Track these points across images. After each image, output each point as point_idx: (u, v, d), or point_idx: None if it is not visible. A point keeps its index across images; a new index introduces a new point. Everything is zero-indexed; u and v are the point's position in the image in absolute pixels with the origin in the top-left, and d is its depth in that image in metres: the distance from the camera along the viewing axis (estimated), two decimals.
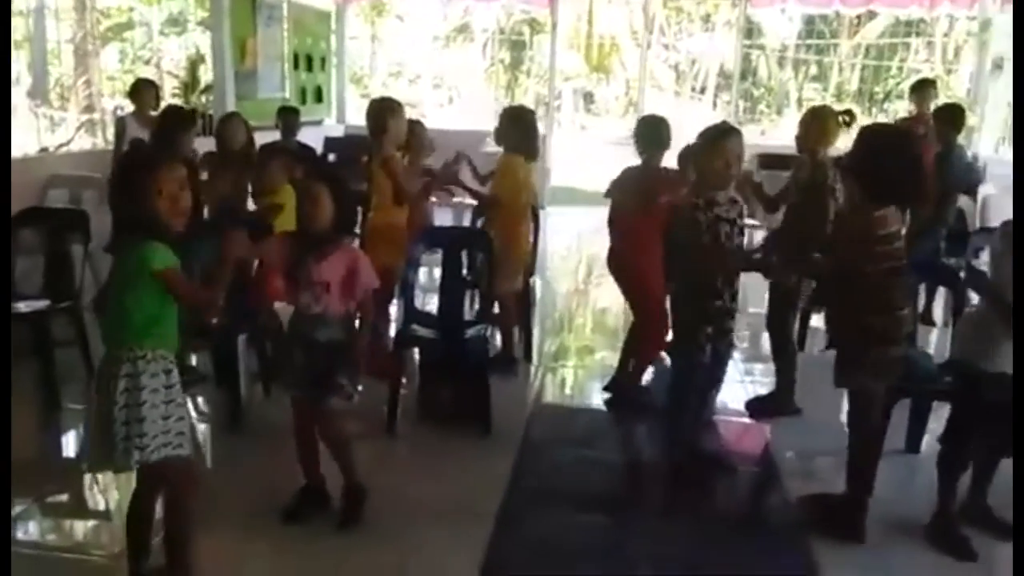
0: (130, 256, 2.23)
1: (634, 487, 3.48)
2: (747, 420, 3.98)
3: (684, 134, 3.93)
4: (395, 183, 4.02)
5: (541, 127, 4.49)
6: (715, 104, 18.36)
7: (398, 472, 3.35)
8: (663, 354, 4.37)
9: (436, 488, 3.24)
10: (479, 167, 5.17)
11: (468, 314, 4.25)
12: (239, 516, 2.91)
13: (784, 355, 4.02)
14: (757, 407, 4.06)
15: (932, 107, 6.00)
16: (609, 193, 4.05)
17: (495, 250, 4.07)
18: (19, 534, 2.95)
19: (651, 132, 3.91)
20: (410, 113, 4.92)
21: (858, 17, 16.34)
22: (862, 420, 2.99)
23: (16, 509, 3.02)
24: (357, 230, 3.59)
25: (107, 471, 2.40)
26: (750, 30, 14.63)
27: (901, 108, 12.54)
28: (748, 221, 3.68)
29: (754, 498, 3.45)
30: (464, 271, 4.30)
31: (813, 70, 19.13)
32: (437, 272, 4.35)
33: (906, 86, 11.70)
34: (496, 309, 4.34)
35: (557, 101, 11.07)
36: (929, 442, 3.41)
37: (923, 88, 6.62)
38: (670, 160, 4.01)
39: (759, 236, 5.65)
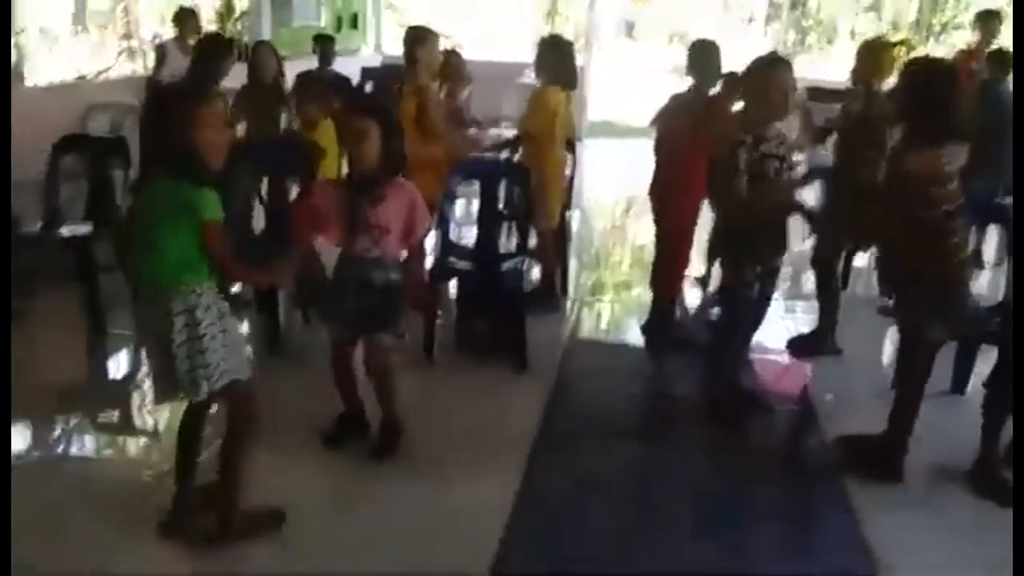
0: (176, 198, 2.18)
1: (669, 422, 3.48)
2: (787, 359, 3.94)
3: (732, 64, 3.79)
4: (424, 114, 3.94)
5: (580, 58, 4.36)
6: (766, 32, 17.65)
7: (434, 403, 3.38)
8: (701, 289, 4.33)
9: (471, 419, 3.27)
10: (516, 99, 5.07)
11: (505, 247, 4.22)
12: (279, 439, 2.94)
13: (828, 293, 3.95)
14: (799, 346, 4.01)
15: (996, 39, 5.72)
16: (655, 121, 3.94)
17: (532, 183, 4.00)
18: (71, 450, 3.07)
19: (702, 57, 3.78)
20: (447, 43, 4.81)
21: None
22: (912, 364, 2.93)
23: (67, 426, 3.16)
24: None
25: (175, 401, 2.44)
26: None
27: (960, 40, 11.93)
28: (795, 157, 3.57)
29: (791, 436, 3.43)
30: (501, 204, 4.25)
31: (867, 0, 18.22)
32: (474, 205, 4.30)
33: (964, 18, 11.10)
34: (534, 243, 4.30)
35: (597, 30, 10.69)
36: (975, 384, 3.34)
37: (988, 19, 6.25)
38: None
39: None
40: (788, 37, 10.86)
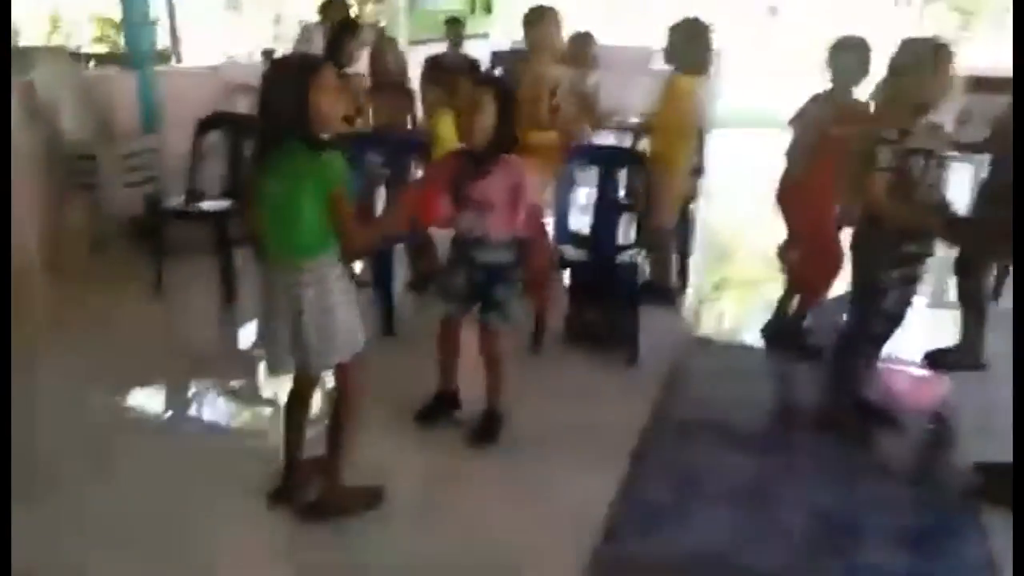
0: (300, 169, 2.17)
1: (787, 430, 3.29)
2: (922, 372, 3.63)
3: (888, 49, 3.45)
4: (536, 98, 3.87)
5: (715, 43, 4.13)
6: (922, 15, 16.30)
7: (540, 391, 3.35)
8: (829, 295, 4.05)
9: (577, 410, 3.22)
10: (644, 86, 4.89)
11: (622, 238, 4.11)
12: (385, 419, 3.02)
13: (975, 304, 3.59)
14: (939, 359, 3.68)
15: None
16: (793, 121, 3.68)
17: (654, 174, 3.87)
18: (200, 415, 3.25)
19: (846, 57, 3.42)
20: (575, 27, 4.72)
21: None
22: None
23: (197, 391, 3.36)
24: None
25: (288, 373, 2.48)
26: None
27: None
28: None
29: (922, 456, 3.16)
30: (620, 193, 4.14)
31: None
32: (591, 193, 4.19)
33: None
34: (652, 234, 4.16)
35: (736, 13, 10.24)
36: None
37: None
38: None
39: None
40: (948, 20, 9.95)
